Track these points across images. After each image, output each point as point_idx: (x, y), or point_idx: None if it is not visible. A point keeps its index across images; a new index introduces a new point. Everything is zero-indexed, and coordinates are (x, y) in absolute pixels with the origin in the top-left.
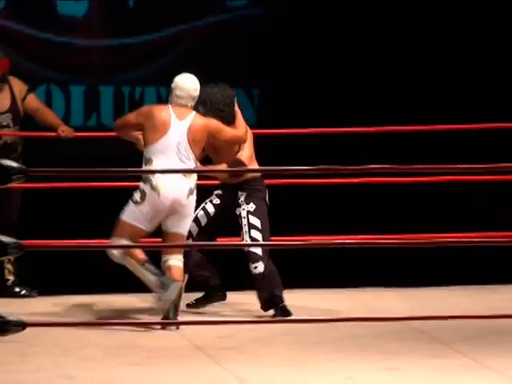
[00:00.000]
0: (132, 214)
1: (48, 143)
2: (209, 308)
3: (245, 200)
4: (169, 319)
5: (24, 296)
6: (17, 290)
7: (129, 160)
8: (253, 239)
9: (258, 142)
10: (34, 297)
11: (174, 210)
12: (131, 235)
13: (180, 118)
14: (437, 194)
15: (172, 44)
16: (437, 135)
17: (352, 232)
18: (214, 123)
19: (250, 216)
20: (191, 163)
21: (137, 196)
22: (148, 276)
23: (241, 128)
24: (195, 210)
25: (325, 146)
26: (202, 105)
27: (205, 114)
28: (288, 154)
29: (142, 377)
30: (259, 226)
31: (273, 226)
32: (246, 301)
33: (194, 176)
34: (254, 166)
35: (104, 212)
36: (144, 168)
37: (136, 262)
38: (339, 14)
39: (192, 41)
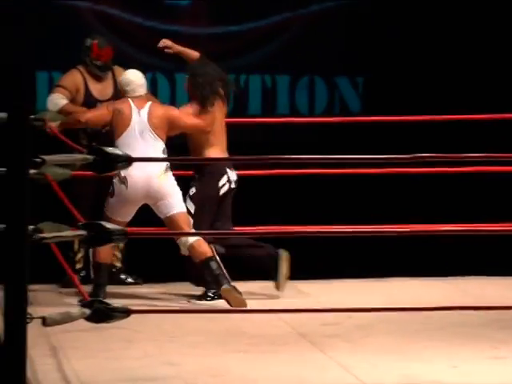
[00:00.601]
0: (110, 208)
1: None
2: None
3: (191, 185)
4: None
5: (130, 283)
6: (123, 277)
7: None
8: None
9: (363, 129)
10: (140, 284)
11: (151, 195)
12: None
13: (139, 108)
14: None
15: (277, 32)
16: None
17: (447, 220)
18: (173, 111)
19: (188, 200)
20: (160, 144)
21: (111, 190)
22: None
23: (205, 118)
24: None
25: (430, 133)
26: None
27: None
28: (393, 141)
29: (246, 363)
30: (192, 211)
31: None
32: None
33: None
34: (215, 153)
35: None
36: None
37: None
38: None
39: (296, 28)
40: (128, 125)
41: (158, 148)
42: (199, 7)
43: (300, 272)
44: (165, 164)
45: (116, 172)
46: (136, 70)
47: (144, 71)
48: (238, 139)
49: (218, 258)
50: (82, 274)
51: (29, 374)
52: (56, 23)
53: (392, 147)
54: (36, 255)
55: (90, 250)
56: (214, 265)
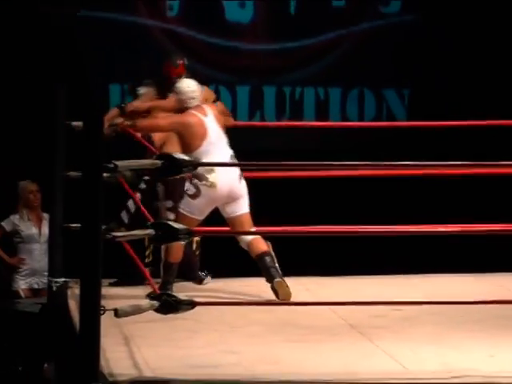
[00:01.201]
0: (191, 208)
1: None
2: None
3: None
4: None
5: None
6: (201, 274)
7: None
8: None
9: (409, 138)
10: (209, 279)
11: (231, 197)
12: (189, 226)
13: (205, 115)
14: None
15: (330, 48)
16: None
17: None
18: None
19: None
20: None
21: (192, 190)
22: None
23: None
24: None
25: (471, 138)
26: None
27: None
28: (436, 147)
29: (299, 352)
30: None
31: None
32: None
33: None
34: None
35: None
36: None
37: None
38: (485, 22)
39: (348, 45)
40: (205, 134)
41: (229, 148)
42: (259, 25)
43: (346, 267)
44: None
45: (194, 175)
46: (190, 79)
47: (207, 84)
48: (292, 147)
49: (272, 253)
50: (150, 268)
51: (102, 361)
52: (128, 40)
53: (434, 152)
54: (106, 252)
55: (162, 248)
56: (268, 259)
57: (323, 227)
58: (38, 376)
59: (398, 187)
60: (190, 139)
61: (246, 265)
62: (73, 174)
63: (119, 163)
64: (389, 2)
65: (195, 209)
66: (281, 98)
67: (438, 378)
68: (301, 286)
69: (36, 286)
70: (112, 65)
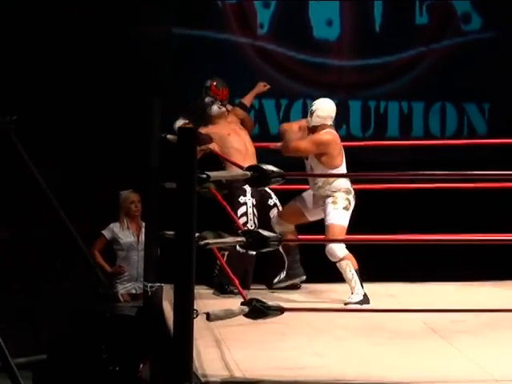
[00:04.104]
0: (345, 219)
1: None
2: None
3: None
4: None
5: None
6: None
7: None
8: None
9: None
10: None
11: None
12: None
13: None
14: None
15: (412, 64)
16: None
17: None
18: None
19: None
20: None
21: (345, 203)
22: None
23: None
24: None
25: None
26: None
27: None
28: None
29: (384, 356)
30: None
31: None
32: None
33: None
34: None
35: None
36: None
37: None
38: None
39: (430, 61)
40: (343, 151)
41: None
42: (345, 42)
43: (427, 274)
44: None
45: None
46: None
47: (295, 99)
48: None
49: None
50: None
51: (195, 362)
52: (221, 57)
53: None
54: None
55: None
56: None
57: (406, 236)
58: (135, 376)
59: (480, 198)
60: (332, 155)
61: (330, 271)
62: (168, 184)
63: (212, 174)
64: (470, 20)
65: (347, 219)
66: (366, 111)
67: None
68: (385, 292)
69: (134, 291)
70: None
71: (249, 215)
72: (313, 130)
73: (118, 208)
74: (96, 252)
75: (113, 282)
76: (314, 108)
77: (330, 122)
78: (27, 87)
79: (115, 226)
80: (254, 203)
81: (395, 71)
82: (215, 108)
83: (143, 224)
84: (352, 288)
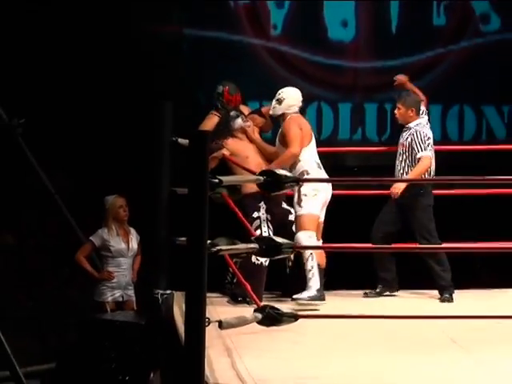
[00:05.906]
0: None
1: None
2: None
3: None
4: None
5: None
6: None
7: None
8: None
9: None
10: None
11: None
12: None
13: None
14: None
15: (430, 66)
16: None
17: None
18: None
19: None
20: None
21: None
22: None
23: None
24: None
25: None
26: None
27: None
28: None
29: (402, 366)
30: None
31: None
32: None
33: None
34: None
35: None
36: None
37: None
38: None
39: (448, 62)
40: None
41: None
42: (361, 44)
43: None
44: None
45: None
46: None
47: (310, 101)
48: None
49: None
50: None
51: (207, 371)
52: (233, 59)
53: None
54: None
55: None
56: None
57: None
58: None
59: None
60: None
61: (346, 278)
62: (179, 189)
63: (224, 178)
64: (489, 20)
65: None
66: (382, 114)
67: None
68: (403, 299)
69: (120, 299)
70: (219, 82)
71: (263, 228)
72: (278, 117)
73: (105, 213)
74: (82, 258)
75: (98, 288)
76: (283, 96)
77: (296, 110)
78: (36, 90)
79: (104, 232)
80: (270, 218)
81: (412, 73)
82: (239, 121)
83: (131, 229)
84: (308, 280)
